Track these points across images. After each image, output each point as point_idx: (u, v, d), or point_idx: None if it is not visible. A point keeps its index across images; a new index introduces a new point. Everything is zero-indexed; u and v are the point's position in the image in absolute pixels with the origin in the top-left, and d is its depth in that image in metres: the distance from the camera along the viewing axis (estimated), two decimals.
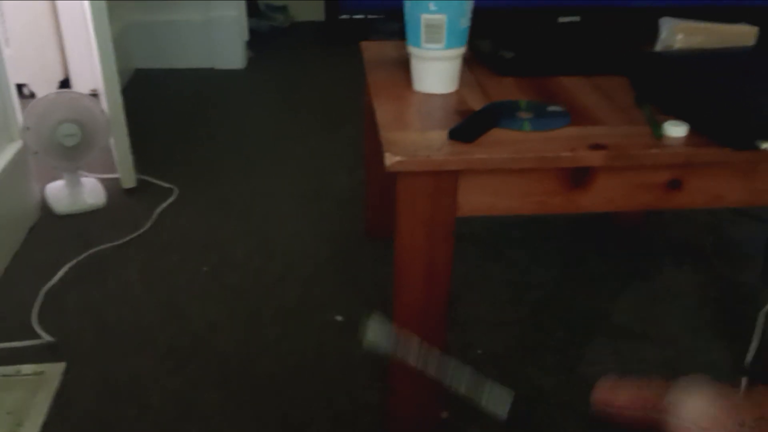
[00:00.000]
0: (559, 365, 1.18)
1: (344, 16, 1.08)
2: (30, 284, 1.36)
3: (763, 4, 1.16)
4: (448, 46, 0.96)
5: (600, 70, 1.07)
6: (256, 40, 2.74)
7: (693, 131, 0.86)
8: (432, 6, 0.93)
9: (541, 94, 1.00)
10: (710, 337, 1.25)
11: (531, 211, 0.88)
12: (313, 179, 1.78)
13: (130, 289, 1.36)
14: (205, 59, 2.58)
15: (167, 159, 1.88)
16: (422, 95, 1.00)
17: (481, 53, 1.14)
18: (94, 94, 1.80)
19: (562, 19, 1.13)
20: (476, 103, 0.97)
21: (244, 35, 2.63)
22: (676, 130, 0.85)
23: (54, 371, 1.14)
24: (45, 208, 1.62)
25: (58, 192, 1.65)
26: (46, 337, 1.22)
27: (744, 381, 1.00)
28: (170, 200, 1.66)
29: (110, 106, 1.63)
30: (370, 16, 1.08)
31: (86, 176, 1.70)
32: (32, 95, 2.15)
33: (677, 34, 1.06)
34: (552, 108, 0.95)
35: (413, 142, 0.85)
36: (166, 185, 1.73)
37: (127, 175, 1.71)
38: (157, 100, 2.31)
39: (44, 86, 2.11)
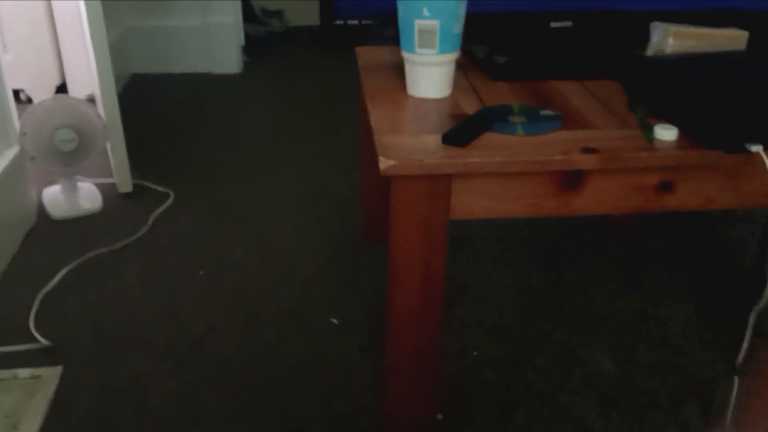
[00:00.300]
0: (555, 367, 1.19)
1: (339, 22, 1.09)
2: (27, 288, 1.36)
3: (754, 8, 1.17)
4: (442, 51, 0.97)
5: (592, 74, 1.09)
6: (252, 45, 2.75)
7: (684, 134, 0.87)
8: (425, 12, 0.94)
9: (534, 99, 1.01)
10: (705, 338, 1.26)
11: (524, 214, 0.89)
12: (311, 182, 1.79)
13: (127, 293, 1.37)
14: (201, 64, 2.59)
15: (164, 163, 1.89)
16: (416, 100, 1.01)
17: (474, 58, 1.15)
18: (91, 100, 1.81)
19: (555, 24, 1.14)
20: (470, 108, 0.98)
21: (240, 40, 2.64)
22: (666, 133, 0.87)
23: (51, 375, 1.15)
24: (42, 213, 1.63)
25: (55, 197, 1.65)
26: (43, 341, 1.22)
27: (736, 380, 1.01)
28: (166, 204, 1.67)
29: (107, 111, 1.64)
30: (364, 22, 1.09)
31: (83, 181, 1.71)
32: (29, 101, 2.16)
33: (668, 39, 1.07)
34: (545, 112, 0.96)
35: (407, 146, 0.86)
36: (163, 190, 1.74)
37: (123, 180, 1.72)
38: (153, 104, 2.32)
39: (41, 92, 2.13)
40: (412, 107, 0.99)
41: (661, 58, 1.05)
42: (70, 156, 1.59)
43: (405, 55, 1.00)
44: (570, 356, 1.22)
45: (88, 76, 1.98)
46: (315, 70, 2.66)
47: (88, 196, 1.67)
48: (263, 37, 2.89)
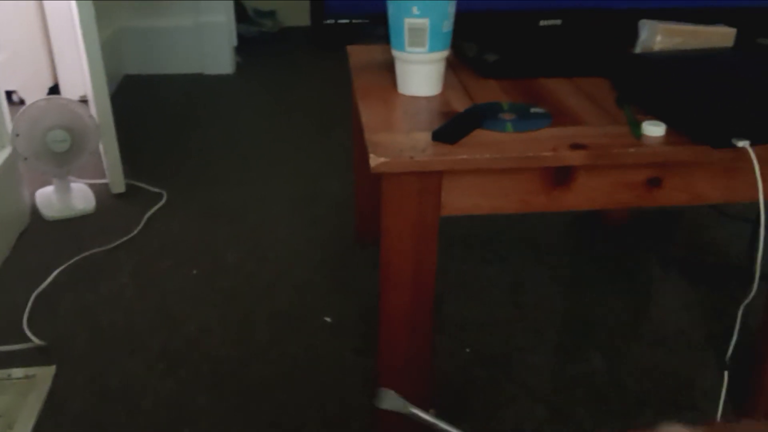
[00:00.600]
0: (547, 366, 1.20)
1: (330, 21, 1.09)
2: (20, 288, 1.37)
3: (741, 5, 1.18)
4: (432, 50, 0.97)
5: (581, 71, 1.09)
6: (245, 46, 2.75)
7: (672, 130, 0.88)
8: (415, 10, 0.94)
9: (524, 96, 1.02)
10: (697, 335, 1.26)
11: (514, 210, 0.90)
12: (305, 183, 1.79)
13: (121, 293, 1.37)
14: (194, 65, 2.60)
15: (156, 164, 1.89)
16: (407, 98, 1.02)
17: (465, 56, 1.16)
18: (84, 100, 1.81)
19: (544, 23, 1.15)
20: (460, 105, 0.98)
21: (233, 41, 2.65)
22: (654, 129, 0.87)
23: (45, 374, 1.15)
24: (35, 214, 1.63)
25: (47, 197, 1.65)
26: (37, 341, 1.22)
27: (726, 375, 1.01)
28: (159, 205, 1.67)
29: (99, 112, 1.64)
30: (355, 21, 1.10)
31: (76, 182, 1.71)
32: (22, 102, 2.16)
33: (657, 36, 1.08)
34: (534, 109, 0.96)
35: (398, 143, 0.86)
36: (155, 190, 1.74)
37: (116, 181, 1.72)
38: (146, 105, 2.32)
39: (34, 93, 2.12)
40: (402, 105, 0.99)
41: (649, 55, 1.06)
42: (63, 156, 1.59)
43: (395, 53, 1.00)
44: (562, 355, 1.22)
45: (80, 77, 1.98)
46: (308, 70, 2.66)
47: (81, 196, 1.67)
48: (256, 38, 2.89)
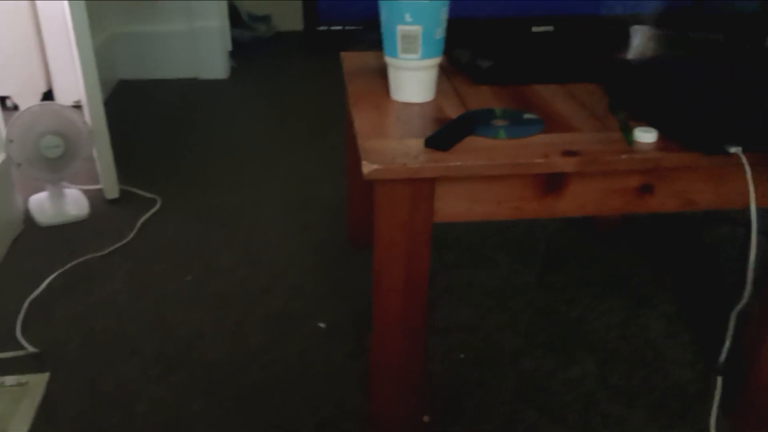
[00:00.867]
0: (539, 369, 1.20)
1: (322, 28, 1.09)
2: (14, 295, 1.36)
3: (731, 12, 1.19)
4: (424, 56, 0.97)
5: (574, 78, 1.10)
6: (239, 50, 2.75)
7: (664, 137, 0.88)
8: (408, 17, 0.95)
9: (517, 102, 1.02)
10: (687, 339, 1.27)
11: (507, 216, 0.90)
12: (298, 187, 1.80)
13: (115, 298, 1.37)
14: (188, 69, 2.60)
15: (150, 169, 1.89)
16: (400, 104, 1.02)
17: (458, 62, 1.16)
18: (78, 106, 1.81)
19: (536, 29, 1.15)
20: (453, 112, 0.99)
21: (227, 45, 2.65)
22: (646, 135, 0.88)
23: (38, 381, 1.15)
24: (29, 220, 1.63)
25: (41, 203, 1.65)
26: (30, 348, 1.22)
27: (719, 380, 1.02)
28: (153, 210, 1.67)
29: (93, 118, 1.64)
30: (348, 27, 1.10)
31: (69, 187, 1.71)
32: (15, 108, 2.16)
33: (649, 43, 1.08)
34: (527, 116, 0.97)
35: (390, 150, 0.86)
36: (149, 195, 1.74)
37: (110, 186, 1.72)
38: (140, 110, 2.32)
39: (27, 98, 2.12)
40: (395, 112, 1.00)
41: (641, 62, 1.07)
42: (57, 162, 1.59)
43: (388, 60, 1.01)
44: (553, 358, 1.22)
45: (74, 82, 1.98)
46: (303, 75, 2.66)
47: (74, 202, 1.67)
48: (250, 42, 2.89)
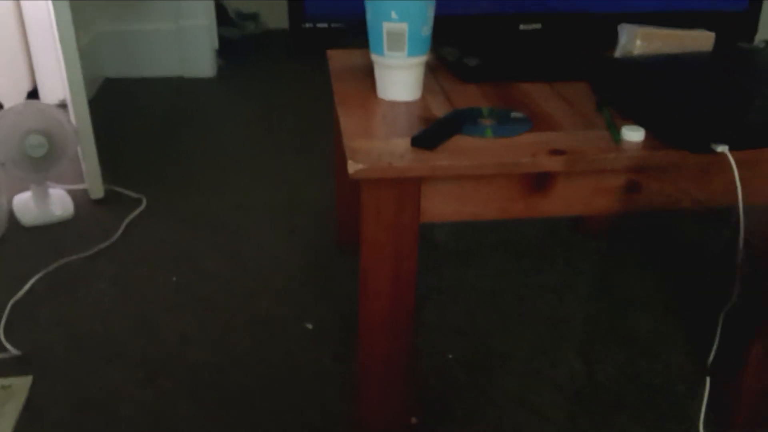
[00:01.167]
0: (527, 369, 1.19)
1: (308, 25, 1.08)
2: None
3: (720, 9, 1.18)
4: (411, 54, 0.96)
5: (561, 76, 1.09)
6: (227, 49, 2.73)
7: (651, 135, 0.88)
8: (393, 14, 0.94)
9: (504, 101, 1.02)
10: (676, 339, 1.27)
11: (494, 216, 0.89)
12: (285, 189, 1.78)
13: (100, 301, 1.35)
14: (175, 68, 2.58)
15: (136, 169, 1.88)
16: (386, 103, 1.01)
17: (445, 61, 1.16)
18: (63, 105, 1.79)
19: (524, 27, 1.15)
20: (440, 111, 0.98)
21: (215, 44, 2.63)
22: (633, 134, 0.87)
23: (21, 385, 1.13)
24: (12, 220, 1.61)
25: (25, 203, 1.63)
26: (14, 351, 1.21)
27: (707, 381, 1.02)
28: (139, 210, 1.66)
29: (77, 117, 1.62)
30: (333, 25, 1.09)
31: (54, 187, 1.69)
32: (0, 107, 2.13)
33: (636, 40, 1.08)
34: (514, 114, 0.96)
35: (376, 149, 0.85)
36: (135, 195, 1.72)
37: (95, 186, 1.70)
38: (126, 109, 2.30)
39: (12, 97, 2.10)
40: (381, 111, 0.99)
41: (628, 60, 1.06)
42: (41, 162, 1.57)
43: (374, 58, 1.00)
44: (541, 358, 1.22)
45: (59, 81, 1.96)
46: (291, 73, 2.65)
47: (59, 202, 1.65)
48: (238, 41, 2.88)
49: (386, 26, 0.95)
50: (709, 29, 1.10)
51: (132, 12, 2.52)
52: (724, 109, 0.89)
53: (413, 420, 1.07)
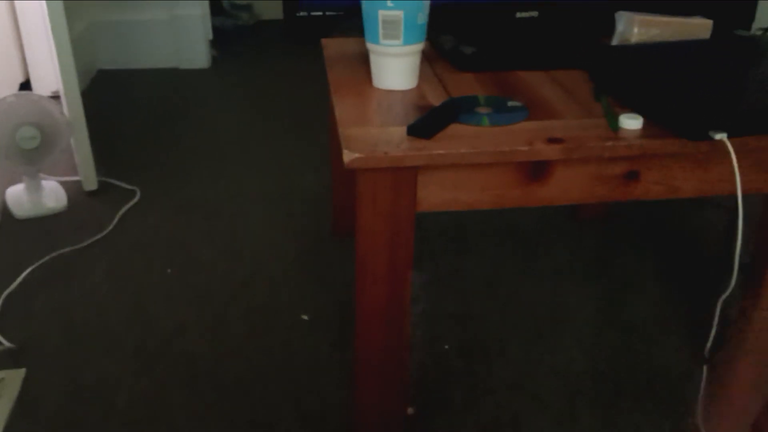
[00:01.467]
0: (525, 357, 1.19)
1: (302, 14, 1.07)
2: None
3: None
4: (406, 42, 0.96)
5: (558, 64, 1.08)
6: (221, 39, 2.72)
7: (649, 123, 0.87)
8: (389, 2, 0.93)
9: (501, 89, 1.01)
10: (673, 326, 1.26)
11: (491, 205, 0.89)
12: (280, 178, 1.78)
13: (94, 292, 1.35)
14: (168, 59, 2.56)
15: (129, 160, 1.87)
16: (382, 91, 1.00)
17: (441, 49, 1.15)
18: (56, 96, 1.78)
19: (521, 15, 1.14)
20: (436, 99, 0.97)
21: (209, 34, 2.61)
22: (631, 122, 0.86)
23: (15, 377, 1.13)
24: (5, 213, 1.60)
25: (18, 196, 1.62)
26: (6, 344, 1.20)
27: (705, 368, 1.01)
28: (133, 202, 1.65)
29: (70, 108, 1.61)
30: (328, 13, 1.08)
31: (47, 179, 1.68)
32: None
33: (633, 28, 1.07)
34: (511, 103, 0.95)
35: (372, 138, 0.85)
36: (129, 187, 1.71)
37: (88, 178, 1.69)
38: (120, 100, 2.28)
39: (4, 88, 2.08)
40: (377, 99, 0.98)
41: (626, 47, 1.05)
42: (33, 154, 1.56)
43: (369, 46, 0.99)
44: (539, 345, 1.22)
45: (52, 72, 1.95)
46: (285, 63, 2.63)
47: (52, 194, 1.64)
48: (232, 31, 2.86)
49: (382, 14, 0.94)
50: (707, 17, 1.09)
51: (125, 2, 2.50)
52: (723, 97, 0.89)
53: (410, 410, 1.07)
